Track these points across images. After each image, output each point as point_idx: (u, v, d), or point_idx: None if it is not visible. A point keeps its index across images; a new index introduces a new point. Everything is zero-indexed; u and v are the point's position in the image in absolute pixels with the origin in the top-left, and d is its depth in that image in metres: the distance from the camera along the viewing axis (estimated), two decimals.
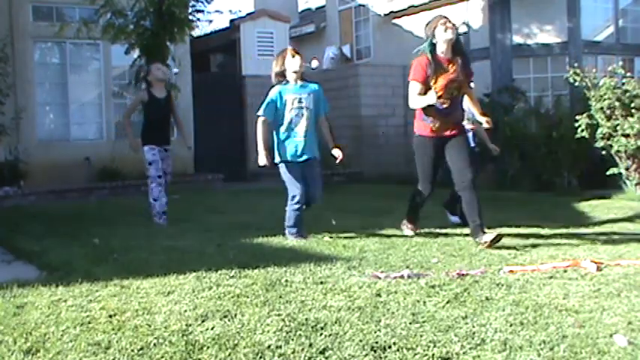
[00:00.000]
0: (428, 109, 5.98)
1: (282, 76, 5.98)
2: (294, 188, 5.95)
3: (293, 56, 5.95)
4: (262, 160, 6.00)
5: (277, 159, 6.08)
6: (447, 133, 6.06)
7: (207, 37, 16.10)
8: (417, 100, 5.93)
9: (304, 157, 6.04)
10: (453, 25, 5.96)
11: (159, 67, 7.74)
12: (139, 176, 12.05)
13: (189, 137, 7.78)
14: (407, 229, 6.55)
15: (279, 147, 6.06)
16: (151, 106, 7.59)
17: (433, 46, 5.95)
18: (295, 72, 5.96)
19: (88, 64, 13.47)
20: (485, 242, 5.60)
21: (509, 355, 3.09)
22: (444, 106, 5.94)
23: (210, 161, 13.57)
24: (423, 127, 6.18)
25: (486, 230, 5.76)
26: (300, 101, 5.94)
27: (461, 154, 6.01)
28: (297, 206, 5.95)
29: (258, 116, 6.00)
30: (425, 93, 5.83)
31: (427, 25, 6.07)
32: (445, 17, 5.99)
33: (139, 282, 4.49)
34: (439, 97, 5.80)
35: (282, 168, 6.06)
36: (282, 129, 6.04)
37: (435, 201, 9.29)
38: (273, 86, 6.00)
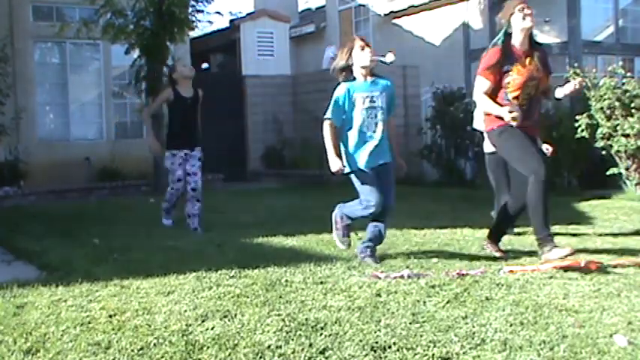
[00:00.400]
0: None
1: (347, 71, 5.08)
2: (371, 196, 5.03)
3: (362, 48, 5.03)
4: (334, 165, 5.10)
5: (349, 168, 5.14)
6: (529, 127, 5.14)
7: (207, 37, 16.10)
8: (485, 103, 5.09)
9: (380, 163, 5.12)
10: (532, 11, 5.07)
11: (185, 64, 7.29)
12: (139, 176, 12.10)
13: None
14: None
15: (349, 155, 5.13)
16: (176, 105, 7.08)
17: (508, 37, 5.10)
18: (365, 67, 5.05)
19: (88, 64, 13.47)
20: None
21: (509, 355, 3.09)
22: (522, 107, 5.02)
23: (210, 161, 13.50)
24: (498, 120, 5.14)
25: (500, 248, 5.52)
26: (372, 100, 5.01)
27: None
28: (368, 212, 5.10)
29: (325, 119, 5.14)
30: (495, 91, 5.04)
31: (501, 11, 5.24)
32: (523, 2, 5.08)
33: (139, 282, 4.49)
34: (515, 98, 5.00)
35: (355, 178, 5.17)
36: (353, 133, 5.09)
37: (436, 200, 9.29)
38: (338, 84, 5.13)
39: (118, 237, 6.58)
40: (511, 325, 3.49)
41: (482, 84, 5.09)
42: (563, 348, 3.17)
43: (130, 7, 11.13)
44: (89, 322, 3.61)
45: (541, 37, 13.07)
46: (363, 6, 16.47)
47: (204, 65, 7.42)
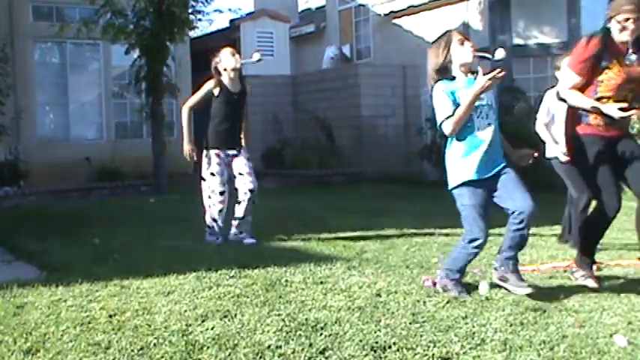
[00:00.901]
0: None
1: (444, 71, 4.27)
2: (475, 228, 4.21)
3: (462, 43, 4.28)
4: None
5: (455, 182, 4.28)
6: (615, 132, 4.46)
7: (207, 37, 16.10)
8: (578, 98, 4.36)
9: (494, 171, 4.23)
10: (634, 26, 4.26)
11: (233, 53, 6.21)
12: (139, 176, 12.10)
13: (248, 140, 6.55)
14: (583, 277, 4.45)
15: (456, 165, 4.29)
16: (222, 101, 6.15)
17: (608, 31, 4.34)
18: (466, 64, 4.28)
19: (88, 64, 13.48)
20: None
21: (509, 355, 3.09)
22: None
23: None
24: (583, 125, 4.54)
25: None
26: (480, 98, 4.21)
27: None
28: (474, 250, 4.24)
29: (445, 120, 4.24)
30: (583, 88, 4.37)
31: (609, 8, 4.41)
32: (631, 11, 4.25)
33: (139, 282, 4.49)
34: (608, 98, 4.31)
35: (462, 195, 4.24)
36: (459, 138, 4.27)
37: (436, 200, 9.28)
38: (435, 83, 4.28)
39: (118, 237, 6.58)
40: (511, 325, 3.49)
41: (571, 79, 4.40)
42: (563, 348, 3.17)
43: (130, 7, 11.13)
44: (89, 322, 3.61)
45: (541, 38, 13.10)
46: (363, 6, 16.47)
47: (257, 56, 6.73)
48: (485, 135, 4.20)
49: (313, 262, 4.98)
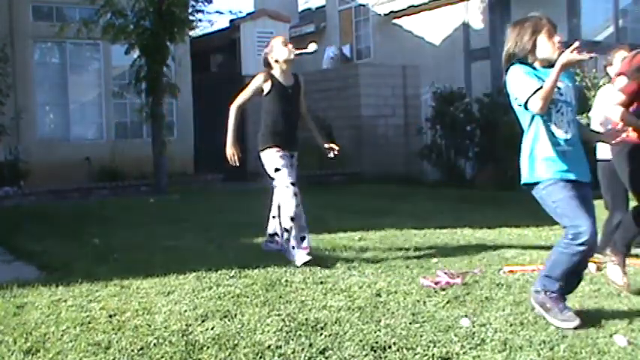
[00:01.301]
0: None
1: (523, 58, 3.78)
2: (579, 220, 3.52)
3: (550, 37, 3.80)
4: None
5: (534, 177, 3.71)
6: None
7: (207, 37, 16.09)
8: (621, 114, 4.21)
9: (574, 176, 3.68)
10: None
11: (285, 42, 5.36)
12: (139, 176, 12.09)
13: (320, 137, 5.86)
14: (616, 272, 4.33)
15: (536, 161, 3.69)
16: (274, 98, 5.37)
17: None
18: (546, 60, 3.78)
19: (88, 64, 13.47)
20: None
21: (509, 355, 3.10)
22: None
23: (210, 161, 13.54)
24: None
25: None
26: (560, 93, 3.69)
27: None
28: (579, 249, 3.50)
29: (529, 100, 3.59)
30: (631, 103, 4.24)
31: None
32: None
33: (139, 282, 4.49)
34: None
35: (550, 191, 3.64)
36: (536, 134, 3.69)
37: (436, 200, 9.29)
38: (512, 65, 3.79)
39: (118, 237, 6.58)
40: (511, 325, 3.49)
41: (619, 94, 4.33)
42: (563, 348, 3.17)
43: (130, 7, 11.12)
44: (89, 322, 3.61)
45: None
46: (363, 6, 16.47)
47: (313, 46, 5.96)
48: (559, 132, 3.65)
49: (313, 262, 4.98)
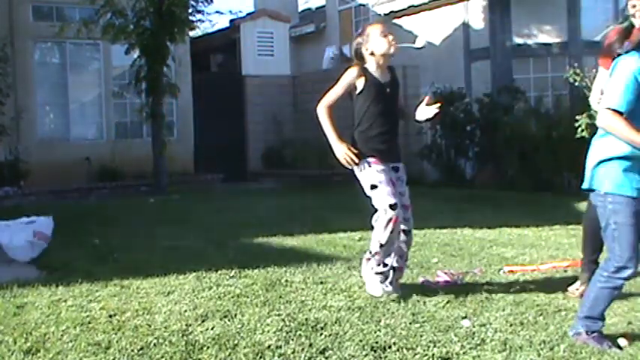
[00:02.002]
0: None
1: (630, 34, 3.47)
2: (628, 253, 3.23)
3: None
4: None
5: (604, 186, 3.30)
6: None
7: (207, 37, 16.09)
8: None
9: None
10: None
11: (385, 33, 4.32)
12: (139, 176, 12.09)
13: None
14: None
15: (612, 170, 3.30)
16: (370, 96, 4.37)
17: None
18: None
19: (88, 64, 13.46)
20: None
21: (509, 355, 3.09)
22: None
23: (210, 161, 13.56)
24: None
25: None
26: None
27: None
28: (620, 283, 3.30)
29: (609, 110, 3.27)
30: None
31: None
32: None
33: (139, 282, 4.49)
34: None
35: (619, 209, 3.23)
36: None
37: (436, 200, 9.29)
38: (623, 55, 3.32)
39: (118, 237, 6.58)
40: (511, 325, 3.49)
41: (601, 76, 3.98)
42: (563, 348, 3.17)
43: (130, 7, 11.12)
44: (89, 322, 3.61)
45: (541, 37, 13.10)
46: (363, 6, 16.46)
47: (422, 41, 4.25)
48: None
49: (313, 262, 4.99)
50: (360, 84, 4.35)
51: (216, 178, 12.89)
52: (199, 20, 12.01)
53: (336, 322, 3.52)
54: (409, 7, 14.82)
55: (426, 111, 4.38)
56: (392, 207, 4.04)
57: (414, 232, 6.55)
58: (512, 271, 4.77)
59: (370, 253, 4.14)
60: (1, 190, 10.79)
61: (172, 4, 11.06)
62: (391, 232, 4.03)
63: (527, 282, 4.44)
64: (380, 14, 15.86)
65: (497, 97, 12.42)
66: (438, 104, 4.28)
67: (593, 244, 4.20)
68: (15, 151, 11.66)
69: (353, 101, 4.42)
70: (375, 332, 3.37)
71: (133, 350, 3.17)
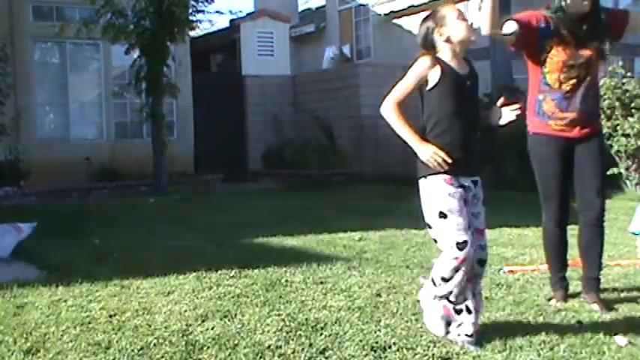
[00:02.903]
0: (543, 100, 4.03)
1: None
2: None
3: None
4: None
5: None
6: (575, 132, 3.97)
7: (207, 37, 16.10)
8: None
9: None
10: None
11: (462, 16, 3.50)
12: (139, 176, 12.09)
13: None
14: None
15: None
16: (447, 90, 3.44)
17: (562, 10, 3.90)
18: None
19: (88, 64, 13.47)
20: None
21: (509, 355, 3.09)
22: (565, 91, 3.94)
23: (210, 161, 13.56)
24: (537, 123, 4.12)
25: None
26: None
27: (592, 168, 3.97)
28: None
29: None
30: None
31: None
32: None
33: (139, 282, 4.49)
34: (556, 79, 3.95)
35: None
36: None
37: None
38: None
39: (118, 237, 6.58)
40: (511, 325, 3.49)
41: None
42: (563, 348, 3.17)
43: (130, 7, 11.12)
44: (89, 322, 3.61)
45: None
46: (363, 6, 16.47)
47: (511, 25, 3.79)
48: None
49: (313, 262, 4.98)
50: (434, 76, 3.41)
51: (216, 178, 12.89)
52: (199, 20, 12.02)
53: (336, 322, 3.52)
54: (409, 7, 14.83)
55: (505, 114, 3.58)
56: (460, 246, 3.17)
57: (414, 232, 6.62)
58: (512, 271, 4.77)
59: (432, 281, 3.31)
60: (1, 190, 10.80)
61: (172, 4, 11.06)
62: (456, 272, 3.19)
63: (527, 282, 4.44)
64: (380, 14, 15.87)
65: (497, 97, 12.42)
66: (517, 105, 3.58)
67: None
68: (15, 151, 11.66)
69: (422, 100, 3.57)
70: (375, 332, 3.37)
71: (133, 350, 3.17)
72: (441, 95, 3.43)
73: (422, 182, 3.44)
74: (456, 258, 3.16)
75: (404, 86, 3.49)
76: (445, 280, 3.23)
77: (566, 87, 3.94)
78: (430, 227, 3.32)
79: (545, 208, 4.09)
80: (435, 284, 3.29)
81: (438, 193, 3.31)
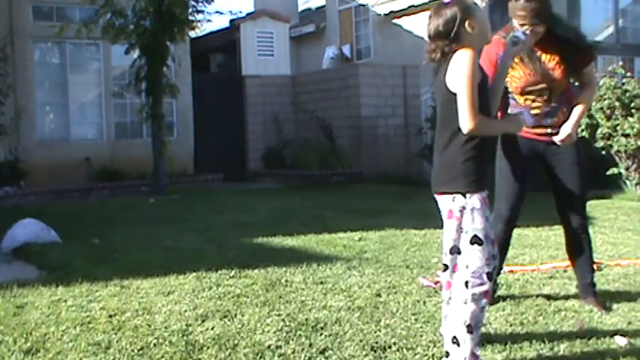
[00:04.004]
0: (512, 112, 3.96)
1: None
2: None
3: None
4: None
5: None
6: (546, 137, 3.94)
7: (207, 37, 16.09)
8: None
9: None
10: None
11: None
12: (139, 176, 12.10)
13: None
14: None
15: None
16: (483, 90, 2.93)
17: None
18: None
19: (88, 64, 13.46)
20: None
21: (509, 355, 3.10)
22: (531, 108, 3.92)
23: (210, 161, 13.56)
24: None
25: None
26: None
27: (570, 180, 3.94)
28: None
29: None
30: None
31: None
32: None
33: (139, 282, 4.50)
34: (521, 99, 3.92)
35: None
36: None
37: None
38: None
39: (118, 237, 6.58)
40: (511, 325, 3.49)
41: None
42: (563, 348, 3.17)
43: (130, 7, 11.12)
44: (89, 322, 3.62)
45: None
46: (363, 6, 16.46)
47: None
48: None
49: (313, 262, 4.99)
50: (478, 74, 2.87)
51: (216, 178, 12.89)
52: (199, 20, 12.02)
53: (336, 322, 3.52)
54: (409, 7, 14.82)
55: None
56: (490, 277, 2.82)
57: (414, 232, 6.63)
58: (512, 271, 4.77)
59: (454, 341, 2.83)
60: (1, 190, 10.80)
61: (172, 4, 11.06)
62: (482, 309, 2.82)
63: (527, 282, 4.44)
64: (380, 14, 15.87)
65: None
66: None
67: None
68: (15, 151, 11.66)
69: (443, 102, 2.93)
70: (375, 332, 3.37)
71: (133, 350, 3.17)
72: (481, 96, 2.87)
73: (458, 200, 2.87)
74: (485, 292, 2.79)
75: (470, 93, 2.79)
76: (471, 329, 2.77)
77: (532, 105, 3.92)
78: (459, 253, 2.86)
79: (495, 206, 4.00)
80: (458, 343, 2.79)
81: (477, 215, 2.83)
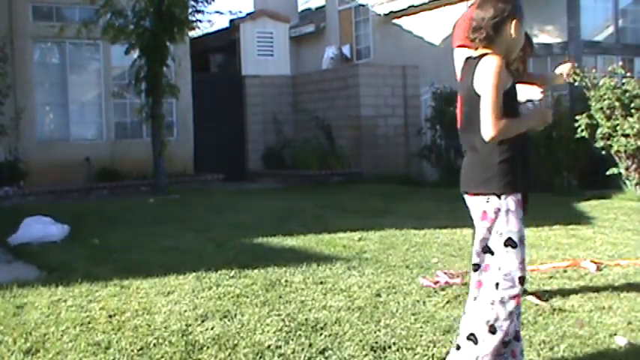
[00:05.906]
0: None
1: None
2: None
3: None
4: None
5: None
6: None
7: (207, 37, 16.09)
8: None
9: None
10: None
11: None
12: (139, 176, 12.09)
13: None
14: None
15: None
16: (515, 94, 2.90)
17: None
18: None
19: (88, 64, 13.46)
20: None
21: None
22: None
23: (210, 161, 13.56)
24: None
25: None
26: None
27: None
28: None
29: None
30: None
31: None
32: None
33: (139, 282, 4.50)
34: None
35: None
36: None
37: (436, 200, 9.29)
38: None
39: (118, 237, 6.58)
40: None
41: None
42: (563, 348, 3.17)
43: (129, 7, 11.12)
44: (89, 322, 3.62)
45: (541, 37, 13.09)
46: (363, 6, 16.46)
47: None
48: None
49: (313, 262, 4.99)
50: (507, 79, 2.78)
51: (216, 178, 12.89)
52: (199, 20, 12.03)
53: (336, 322, 3.52)
54: (409, 7, 14.83)
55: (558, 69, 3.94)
56: (522, 281, 2.77)
57: (414, 232, 6.63)
58: None
59: (473, 338, 2.74)
60: (1, 190, 10.79)
61: (172, 5, 11.06)
62: (511, 314, 2.72)
63: (527, 282, 4.43)
64: (380, 14, 15.88)
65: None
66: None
67: None
68: (15, 151, 11.65)
69: (471, 102, 2.78)
70: (375, 332, 3.37)
71: (132, 350, 3.17)
72: (513, 100, 2.81)
73: (493, 200, 2.78)
74: (516, 296, 2.70)
75: (494, 102, 2.67)
76: (493, 330, 2.68)
77: None
78: (492, 254, 2.80)
79: None
80: (475, 341, 2.70)
81: (512, 217, 2.77)
